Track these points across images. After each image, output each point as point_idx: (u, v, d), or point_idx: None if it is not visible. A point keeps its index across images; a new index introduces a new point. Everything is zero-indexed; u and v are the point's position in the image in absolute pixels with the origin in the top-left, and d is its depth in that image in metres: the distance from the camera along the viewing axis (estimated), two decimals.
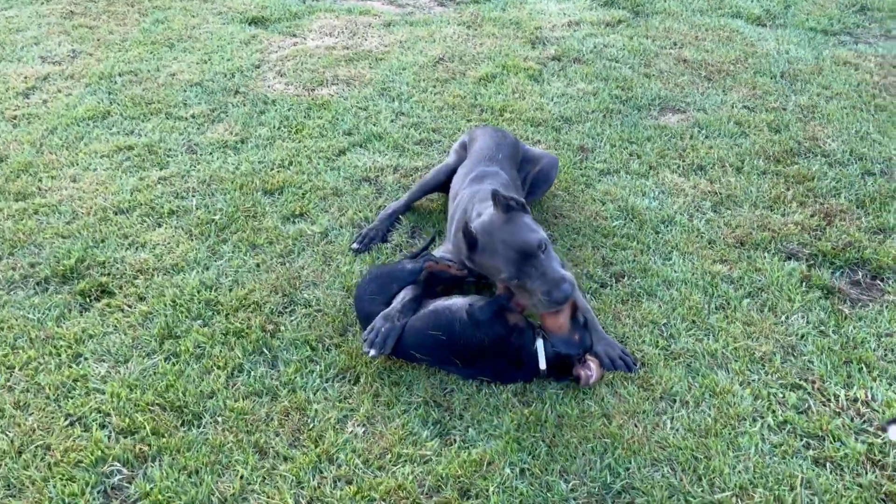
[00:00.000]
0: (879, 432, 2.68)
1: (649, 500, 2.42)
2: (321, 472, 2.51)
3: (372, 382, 2.84)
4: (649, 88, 5.01)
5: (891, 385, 2.86)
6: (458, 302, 2.96)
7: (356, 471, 2.51)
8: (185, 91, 5.08)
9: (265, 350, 2.99)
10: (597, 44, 5.65)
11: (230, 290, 3.29)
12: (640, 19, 6.20)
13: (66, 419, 2.69)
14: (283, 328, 3.09)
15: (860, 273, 3.47)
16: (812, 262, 3.51)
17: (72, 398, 2.77)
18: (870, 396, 2.82)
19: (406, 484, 2.46)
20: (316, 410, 2.72)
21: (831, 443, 2.63)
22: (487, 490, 2.44)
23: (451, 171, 3.71)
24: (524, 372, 2.85)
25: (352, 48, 5.72)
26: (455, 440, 2.62)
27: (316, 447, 2.58)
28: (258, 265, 3.45)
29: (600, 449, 2.59)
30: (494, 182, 3.34)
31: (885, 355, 3.00)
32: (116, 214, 3.80)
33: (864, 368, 2.94)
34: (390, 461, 2.54)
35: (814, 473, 2.52)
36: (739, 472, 2.51)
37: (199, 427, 2.67)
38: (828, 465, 2.57)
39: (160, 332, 3.06)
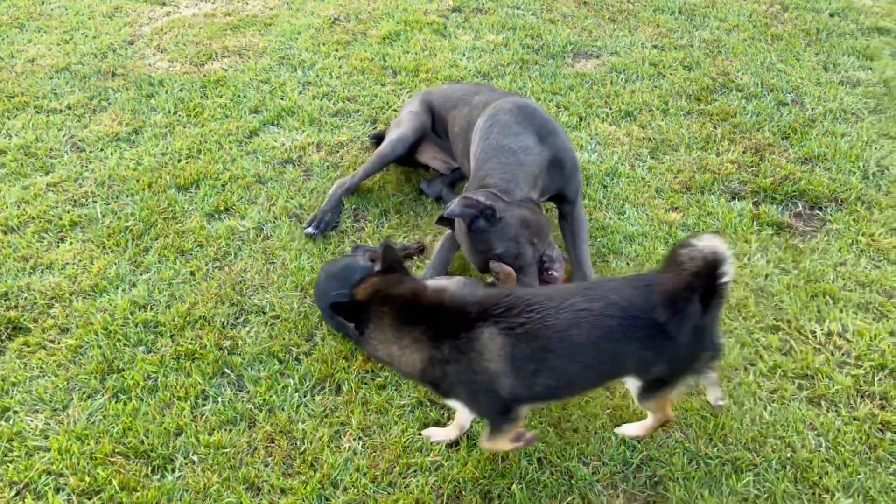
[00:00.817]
0: (855, 360, 2.76)
1: (671, 470, 2.37)
2: (328, 500, 2.28)
3: (356, 389, 2.60)
4: (558, 35, 4.89)
5: (857, 314, 2.95)
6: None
7: (366, 492, 2.29)
8: (52, 78, 4.44)
9: (227, 370, 2.68)
10: None
11: (168, 307, 2.91)
12: None
13: (11, 489, 2.29)
14: (241, 342, 2.77)
15: (800, 205, 3.55)
16: (756, 199, 3.56)
17: (11, 462, 2.36)
18: (841, 328, 2.90)
19: (424, 497, 2.27)
20: (303, 431, 2.46)
21: (821, 380, 2.68)
22: (510, 488, 2.31)
23: (412, 143, 3.48)
24: None
25: (234, 14, 5.21)
26: (461, 440, 2.45)
27: (314, 473, 2.34)
28: (192, 273, 3.08)
29: (610, 425, 2.50)
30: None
31: (845, 285, 3.09)
32: (6, 234, 3.27)
33: (830, 301, 3.02)
34: (399, 474, 2.35)
35: (813, 414, 2.56)
36: (746, 425, 2.51)
37: (173, 472, 2.35)
38: (822, 403, 2.61)
39: (98, 368, 2.66)
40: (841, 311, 2.97)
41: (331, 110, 4.13)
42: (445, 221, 2.90)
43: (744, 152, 3.86)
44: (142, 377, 2.63)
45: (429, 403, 2.56)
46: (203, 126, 4.00)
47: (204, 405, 2.56)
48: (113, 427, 2.46)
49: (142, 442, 2.42)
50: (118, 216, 3.36)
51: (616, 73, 4.53)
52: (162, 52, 4.73)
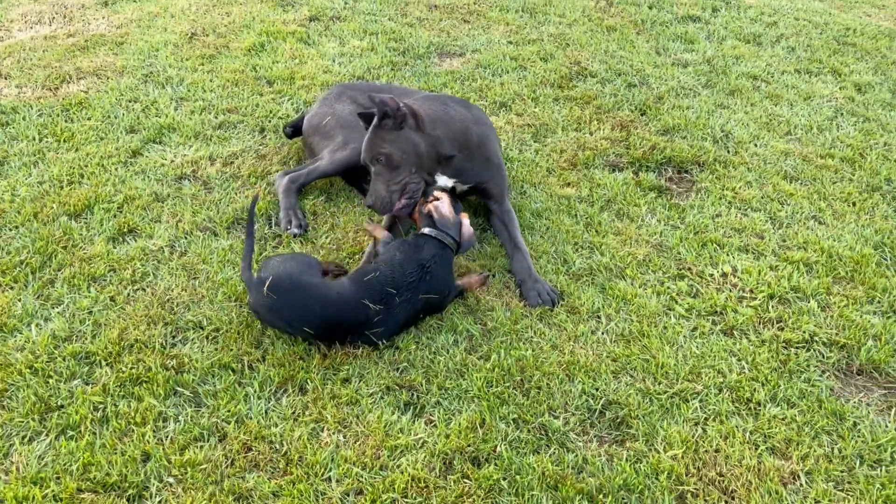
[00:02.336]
0: (750, 293, 3.16)
1: (630, 409, 2.60)
2: (324, 494, 2.26)
3: (321, 386, 2.59)
4: (419, 37, 5.07)
5: (740, 256, 3.37)
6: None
7: (360, 479, 2.31)
8: None
9: (180, 389, 2.56)
10: (346, 2, 5.52)
11: (96, 336, 2.73)
12: None
13: None
14: (187, 360, 2.66)
15: (670, 171, 3.98)
16: (633, 168, 3.94)
17: None
18: (732, 269, 3.30)
19: (418, 474, 2.33)
20: (279, 434, 2.42)
21: (728, 314, 3.04)
22: (496, 450, 2.42)
23: None
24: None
25: (78, 34, 4.89)
26: (436, 415, 2.53)
27: (302, 471, 2.31)
28: (113, 299, 2.89)
29: (568, 378, 2.69)
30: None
31: (725, 233, 3.51)
32: None
33: (717, 248, 3.42)
34: (389, 457, 2.38)
35: (731, 343, 2.91)
36: (680, 360, 2.80)
37: (151, 498, 2.22)
38: (734, 333, 2.97)
39: (34, 408, 2.44)
40: (728, 254, 3.38)
41: (213, 123, 4.01)
42: (364, 117, 3.17)
43: (612, 129, 4.24)
44: (88, 410, 2.45)
45: (396, 387, 2.61)
46: (78, 150, 3.74)
47: (165, 427, 2.43)
48: (70, 465, 2.28)
49: (107, 474, 2.26)
50: (7, 251, 3.08)
51: (482, 68, 4.78)
52: (6, 78, 4.34)
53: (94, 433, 2.39)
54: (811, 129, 4.45)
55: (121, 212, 3.36)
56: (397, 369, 2.69)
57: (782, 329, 2.99)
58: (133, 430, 2.41)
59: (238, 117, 4.08)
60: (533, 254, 3.26)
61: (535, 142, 4.10)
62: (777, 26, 5.82)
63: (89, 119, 3.99)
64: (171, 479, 2.27)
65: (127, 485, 2.25)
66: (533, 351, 2.78)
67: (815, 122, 4.52)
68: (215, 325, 2.80)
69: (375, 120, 3.03)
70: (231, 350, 2.70)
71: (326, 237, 3.28)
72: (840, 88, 4.96)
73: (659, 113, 4.44)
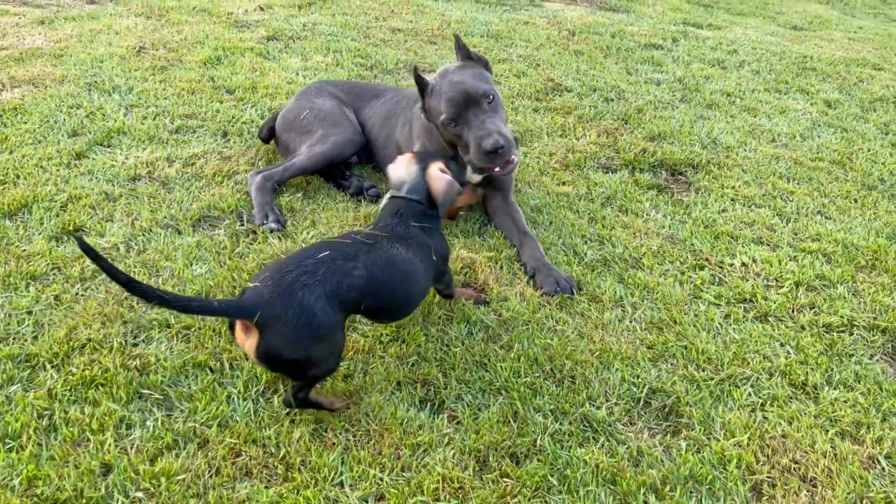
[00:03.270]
0: (775, 282, 2.91)
1: (679, 397, 2.26)
2: (337, 502, 1.82)
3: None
4: (386, 55, 4.84)
5: (757, 247, 3.14)
6: None
7: (379, 483, 1.88)
8: None
9: (146, 391, 2.09)
10: (305, 23, 5.27)
11: (37, 337, 2.24)
12: (327, 1, 5.97)
13: None
14: (154, 360, 2.20)
15: (664, 172, 3.77)
16: (627, 169, 3.71)
17: None
18: (751, 260, 3.05)
19: (449, 473, 1.91)
20: (273, 437, 1.98)
21: (759, 301, 2.77)
22: (536, 444, 2.03)
23: (361, 145, 3.35)
24: None
25: (12, 48, 4.45)
26: (458, 410, 2.13)
27: (308, 476, 1.87)
28: (58, 297, 2.42)
29: (603, 366, 2.34)
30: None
31: (736, 226, 3.29)
32: None
33: (731, 240, 3.18)
34: (411, 457, 1.96)
35: (769, 328, 2.63)
36: (720, 346, 2.50)
37: None
38: (770, 319, 2.69)
39: None
40: (743, 246, 3.14)
41: (169, 128, 3.61)
42: (419, 80, 2.88)
43: (598, 135, 4.04)
44: (30, 417, 1.96)
45: (408, 381, 2.21)
46: (12, 152, 3.27)
47: (130, 434, 1.96)
48: (10, 479, 1.78)
49: (59, 489, 1.77)
50: None
51: None
52: None
53: (40, 443, 1.90)
54: (794, 136, 4.35)
55: (64, 210, 2.90)
56: (407, 363, 2.29)
57: (818, 315, 2.73)
58: (89, 439, 1.93)
59: (197, 122, 3.70)
60: (545, 250, 2.94)
61: (521, 146, 3.85)
62: (738, 53, 5.84)
63: (25, 123, 3.53)
64: (139, 494, 1.80)
65: (84, 500, 1.76)
66: (560, 339, 2.43)
67: (797, 131, 4.43)
68: (185, 322, 2.36)
69: (461, 59, 2.91)
70: (206, 348, 2.26)
71: (308, 233, 2.89)
72: (811, 104, 4.94)
73: (642, 122, 4.27)
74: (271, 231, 2.86)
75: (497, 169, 2.75)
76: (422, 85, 2.85)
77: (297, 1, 5.77)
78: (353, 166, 3.36)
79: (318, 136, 3.22)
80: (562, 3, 7.24)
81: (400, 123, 3.18)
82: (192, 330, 2.33)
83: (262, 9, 5.40)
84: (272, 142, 3.48)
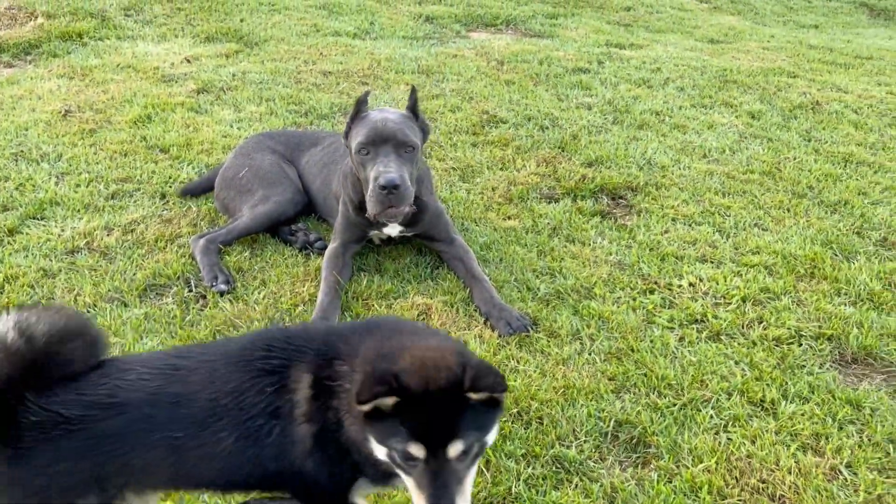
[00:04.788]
0: (723, 299, 2.99)
1: (645, 427, 2.29)
2: None
3: None
4: (320, 100, 4.82)
5: (701, 266, 3.23)
6: None
7: None
8: None
9: None
10: (234, 72, 5.22)
11: None
12: (255, 48, 5.93)
13: None
14: None
15: (605, 198, 3.85)
16: (569, 197, 3.78)
17: None
18: (697, 279, 3.13)
19: None
20: None
21: (710, 321, 2.84)
22: (511, 492, 2.03)
23: (304, 203, 3.37)
24: None
25: None
26: None
27: None
28: None
29: (568, 403, 2.36)
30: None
31: (679, 246, 3.37)
32: None
33: (676, 260, 3.26)
34: None
35: (722, 347, 2.69)
36: (679, 372, 2.55)
37: None
38: (722, 337, 2.77)
39: None
40: (688, 265, 3.23)
41: (104, 194, 3.52)
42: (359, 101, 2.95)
43: (538, 165, 4.10)
44: None
45: None
46: None
47: None
48: None
49: None
50: None
51: None
52: None
53: None
54: (724, 151, 4.50)
55: (1, 292, 2.79)
56: None
57: (767, 328, 2.82)
58: None
59: (133, 185, 3.61)
60: (494, 283, 2.96)
61: (463, 182, 3.88)
62: (661, 71, 6.03)
63: None
64: None
65: None
66: (522, 380, 2.44)
67: (726, 145, 4.59)
68: None
69: (406, 110, 2.98)
70: None
71: (259, 293, 2.84)
72: (736, 117, 5.12)
73: (578, 148, 4.36)
74: (222, 293, 2.81)
75: (388, 211, 2.78)
76: (358, 108, 2.91)
77: (223, 50, 5.72)
78: (297, 219, 3.33)
79: (258, 196, 3.20)
80: (487, 32, 7.37)
81: (337, 171, 3.18)
82: None
83: (188, 61, 5.34)
84: (204, 198, 3.46)
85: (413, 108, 3.00)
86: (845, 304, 3.02)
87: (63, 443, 1.42)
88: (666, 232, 3.50)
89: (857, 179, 4.21)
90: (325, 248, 3.06)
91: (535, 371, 2.50)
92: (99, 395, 1.45)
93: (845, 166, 4.40)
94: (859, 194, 4.01)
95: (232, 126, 4.32)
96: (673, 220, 3.62)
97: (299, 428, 1.50)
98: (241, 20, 6.56)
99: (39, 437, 1.41)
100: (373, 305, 2.79)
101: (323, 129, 3.94)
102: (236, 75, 5.16)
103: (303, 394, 1.51)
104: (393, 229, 3.06)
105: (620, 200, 3.84)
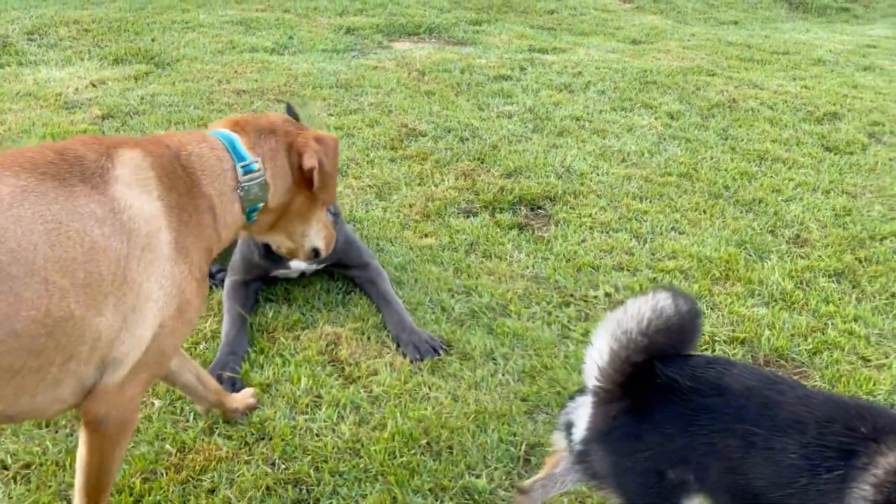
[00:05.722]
0: None
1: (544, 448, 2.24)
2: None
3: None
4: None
5: (617, 274, 3.21)
6: None
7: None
8: None
9: None
10: (143, 95, 5.03)
11: None
12: (166, 69, 5.74)
13: None
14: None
15: (524, 209, 3.81)
16: (487, 211, 3.73)
17: None
18: (614, 289, 3.11)
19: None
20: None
21: None
22: None
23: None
24: None
25: None
26: None
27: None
28: None
29: (479, 430, 2.30)
30: None
31: (596, 256, 3.35)
32: None
33: (593, 270, 3.24)
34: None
35: None
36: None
37: None
38: None
39: None
40: (605, 275, 3.21)
41: None
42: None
43: (456, 179, 4.04)
44: None
45: (280, 485, 2.08)
46: None
47: None
48: None
49: None
50: None
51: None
52: None
53: None
54: (643, 154, 4.52)
55: None
56: (272, 464, 2.16)
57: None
58: None
59: None
60: (407, 306, 2.88)
61: (380, 200, 3.79)
62: (583, 75, 6.05)
63: None
64: None
65: None
66: (434, 408, 2.37)
67: (645, 147, 4.61)
68: (24, 460, 2.14)
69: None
70: (50, 486, 2.05)
71: None
72: (655, 118, 5.16)
73: (498, 158, 4.32)
74: None
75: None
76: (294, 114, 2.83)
77: (132, 72, 5.52)
78: None
79: None
80: (410, 42, 7.30)
81: None
82: (33, 468, 2.12)
83: (94, 85, 5.13)
84: None
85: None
86: (758, 306, 3.03)
87: (672, 408, 1.60)
88: (583, 241, 3.48)
89: (771, 177, 4.27)
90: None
91: (446, 397, 2.43)
92: (708, 375, 1.62)
93: (760, 164, 4.47)
94: (773, 192, 4.06)
95: None
96: (591, 228, 3.60)
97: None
98: (153, 39, 6.36)
99: (658, 398, 1.61)
100: (279, 338, 2.68)
101: None
102: (145, 98, 4.98)
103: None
104: (300, 263, 2.95)
105: (539, 211, 3.81)
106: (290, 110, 2.96)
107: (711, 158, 4.50)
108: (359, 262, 3.04)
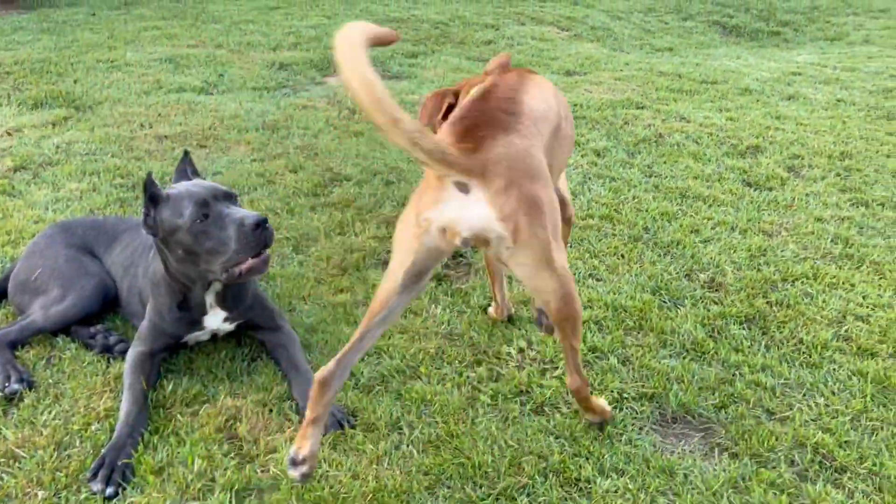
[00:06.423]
0: (551, 363, 2.97)
1: None
2: None
3: None
4: (151, 168, 4.58)
5: (531, 328, 3.20)
6: None
7: None
8: None
9: None
10: (59, 144, 4.89)
11: None
12: (87, 112, 5.60)
13: None
14: None
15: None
16: None
17: None
18: (527, 343, 3.10)
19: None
20: None
21: (535, 391, 2.80)
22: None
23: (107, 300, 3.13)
24: None
25: None
26: None
27: None
28: None
29: None
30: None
31: (512, 306, 3.34)
32: None
33: (507, 323, 3.22)
34: None
35: (544, 421, 2.65)
36: (497, 455, 2.48)
37: None
38: (545, 409, 2.73)
39: None
40: (519, 328, 3.19)
41: None
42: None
43: (377, 228, 4.00)
44: None
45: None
46: None
47: None
48: None
49: None
50: None
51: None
52: None
53: None
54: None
55: None
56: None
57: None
58: None
59: None
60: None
61: (297, 254, 3.73)
62: None
63: None
64: None
65: None
66: (332, 488, 2.31)
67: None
68: None
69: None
70: None
71: (49, 412, 2.59)
72: (582, 156, 5.19)
73: None
74: (14, 394, 2.59)
75: (250, 264, 2.64)
76: (154, 191, 2.66)
77: (51, 117, 5.37)
78: (103, 319, 3.10)
79: (54, 295, 2.96)
80: None
81: (140, 273, 2.98)
82: None
83: (9, 134, 4.98)
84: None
85: (196, 174, 2.95)
86: (670, 357, 3.04)
87: None
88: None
89: (691, 216, 4.32)
90: (125, 351, 2.84)
91: (346, 475, 2.37)
92: None
93: (682, 202, 4.52)
94: (692, 232, 4.11)
95: (47, 209, 4.02)
96: (509, 278, 3.58)
97: None
98: (76, 81, 6.21)
99: None
100: (176, 415, 2.59)
101: (122, 216, 3.69)
102: (60, 147, 4.84)
103: None
104: (216, 320, 2.88)
105: (460, 259, 3.78)
106: (188, 160, 2.93)
107: (634, 198, 4.54)
108: (270, 324, 2.98)
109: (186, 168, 2.94)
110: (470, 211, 2.04)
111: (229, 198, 2.71)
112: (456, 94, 2.86)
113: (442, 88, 2.97)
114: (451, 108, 2.80)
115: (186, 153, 2.96)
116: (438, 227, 2.07)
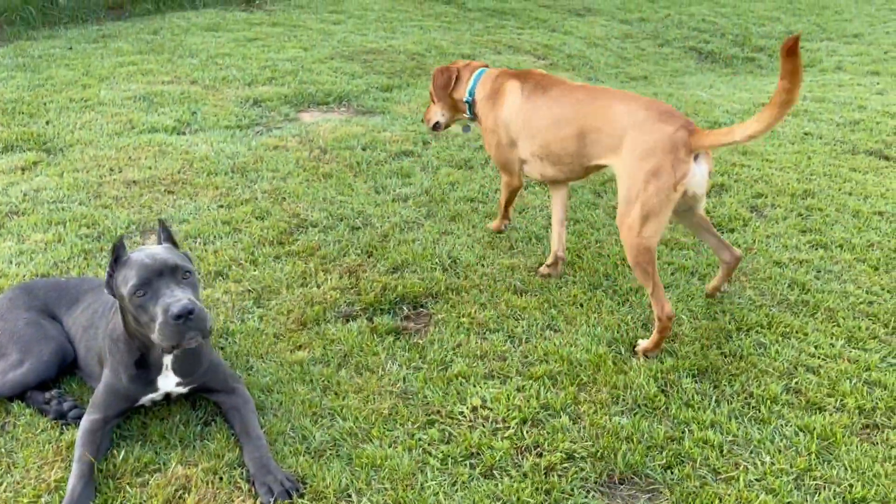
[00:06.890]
0: (503, 423, 3.00)
1: None
2: None
3: None
4: (117, 217, 4.60)
5: (487, 384, 3.24)
6: None
7: None
8: None
9: None
10: (26, 191, 4.91)
11: None
12: (57, 156, 5.62)
13: None
14: None
15: (405, 308, 3.83)
16: (368, 314, 3.73)
17: None
18: (481, 402, 3.13)
19: None
20: None
21: (485, 453, 2.84)
22: None
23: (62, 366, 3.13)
24: None
25: None
26: None
27: None
28: None
29: None
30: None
31: (469, 363, 3.38)
32: None
33: (464, 380, 3.26)
34: None
35: (493, 485, 2.68)
36: None
37: None
38: (494, 472, 2.77)
39: None
40: (474, 385, 3.23)
41: None
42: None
43: (340, 278, 4.04)
44: None
45: None
46: None
47: None
48: None
49: None
50: None
51: (192, 238, 4.41)
52: None
53: None
54: (530, 240, 4.60)
55: None
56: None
57: (541, 455, 2.84)
58: None
59: None
60: (269, 437, 2.85)
61: (258, 307, 3.76)
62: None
63: None
64: None
65: None
66: None
67: (533, 232, 4.69)
68: None
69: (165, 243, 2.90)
70: None
71: (0, 484, 2.61)
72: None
73: (386, 251, 4.33)
74: None
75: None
76: (118, 254, 2.72)
77: (20, 161, 5.38)
78: (59, 382, 3.12)
79: (12, 360, 2.98)
80: (319, 111, 7.31)
81: (100, 334, 3.00)
82: None
83: None
84: None
85: (170, 241, 2.90)
86: (621, 413, 3.09)
87: None
88: (458, 346, 3.50)
89: None
90: (80, 417, 2.86)
91: None
92: None
93: None
94: None
95: (11, 263, 4.03)
96: (467, 330, 3.63)
97: None
98: (47, 122, 6.23)
99: None
100: (125, 486, 2.61)
101: (85, 277, 3.72)
102: (28, 195, 4.86)
103: None
104: (169, 383, 2.90)
105: (420, 310, 3.83)
106: (164, 227, 2.93)
107: (597, 242, 4.60)
108: (224, 387, 3.01)
109: (161, 235, 2.94)
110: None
111: (175, 273, 2.68)
112: (458, 70, 4.36)
113: (446, 65, 4.45)
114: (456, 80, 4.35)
115: (161, 223, 2.94)
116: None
